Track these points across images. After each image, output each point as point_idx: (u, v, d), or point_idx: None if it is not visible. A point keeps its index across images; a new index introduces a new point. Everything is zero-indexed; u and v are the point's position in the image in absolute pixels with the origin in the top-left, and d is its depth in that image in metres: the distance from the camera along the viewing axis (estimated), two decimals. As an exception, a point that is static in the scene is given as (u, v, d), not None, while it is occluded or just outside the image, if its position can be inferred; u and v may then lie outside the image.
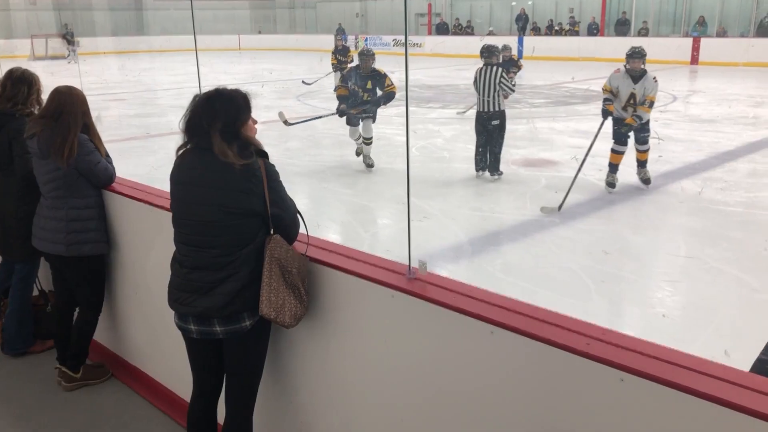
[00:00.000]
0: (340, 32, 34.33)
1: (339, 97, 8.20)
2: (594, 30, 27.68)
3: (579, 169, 6.91)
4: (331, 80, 16.27)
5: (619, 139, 7.15)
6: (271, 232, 2.25)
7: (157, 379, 3.37)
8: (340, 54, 16.73)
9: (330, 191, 6.16)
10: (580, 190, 7.05)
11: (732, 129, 10.79)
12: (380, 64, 8.10)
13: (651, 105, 6.91)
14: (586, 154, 6.97)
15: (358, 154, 8.50)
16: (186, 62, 20.62)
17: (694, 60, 23.07)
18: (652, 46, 23.14)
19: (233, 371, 2.37)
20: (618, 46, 25.01)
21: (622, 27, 26.59)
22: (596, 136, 7.04)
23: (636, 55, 6.88)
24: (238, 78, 19.86)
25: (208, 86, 2.38)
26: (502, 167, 7.70)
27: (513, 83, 11.90)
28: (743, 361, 1.74)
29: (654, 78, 6.89)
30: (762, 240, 5.57)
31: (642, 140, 7.14)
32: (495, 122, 7.63)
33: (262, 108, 11.48)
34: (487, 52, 7.72)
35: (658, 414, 1.55)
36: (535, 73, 16.28)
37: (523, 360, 1.78)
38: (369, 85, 7.97)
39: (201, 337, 2.31)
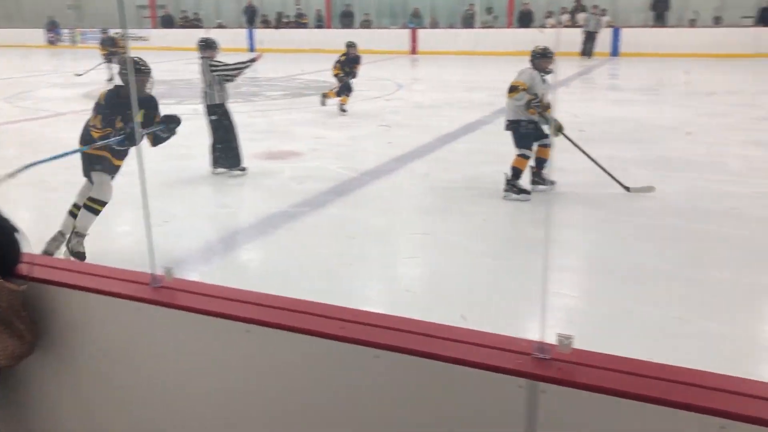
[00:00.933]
0: (53, 25, 31.26)
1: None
2: (320, 22, 28.62)
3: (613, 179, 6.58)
4: (102, 74, 15.93)
5: (529, 143, 6.56)
6: None
7: None
8: (108, 44, 15.91)
9: (55, 201, 5.54)
10: (322, 180, 7.27)
11: (451, 113, 11.89)
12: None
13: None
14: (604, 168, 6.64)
15: (79, 254, 5.09)
16: None
17: (413, 50, 25.04)
18: (374, 37, 24.76)
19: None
20: (343, 37, 26.26)
21: (346, 19, 27.81)
22: (577, 145, 6.66)
23: (550, 54, 6.58)
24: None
25: None
26: (246, 162, 7.60)
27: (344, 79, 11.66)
28: (479, 321, 1.94)
29: None
30: (482, 211, 6.24)
31: (546, 136, 6.65)
32: (213, 117, 7.47)
33: (-37, 113, 10.02)
34: (199, 45, 7.65)
35: (411, 383, 1.65)
36: (269, 65, 16.35)
37: (281, 353, 1.79)
38: (141, 117, 5.35)
39: None
